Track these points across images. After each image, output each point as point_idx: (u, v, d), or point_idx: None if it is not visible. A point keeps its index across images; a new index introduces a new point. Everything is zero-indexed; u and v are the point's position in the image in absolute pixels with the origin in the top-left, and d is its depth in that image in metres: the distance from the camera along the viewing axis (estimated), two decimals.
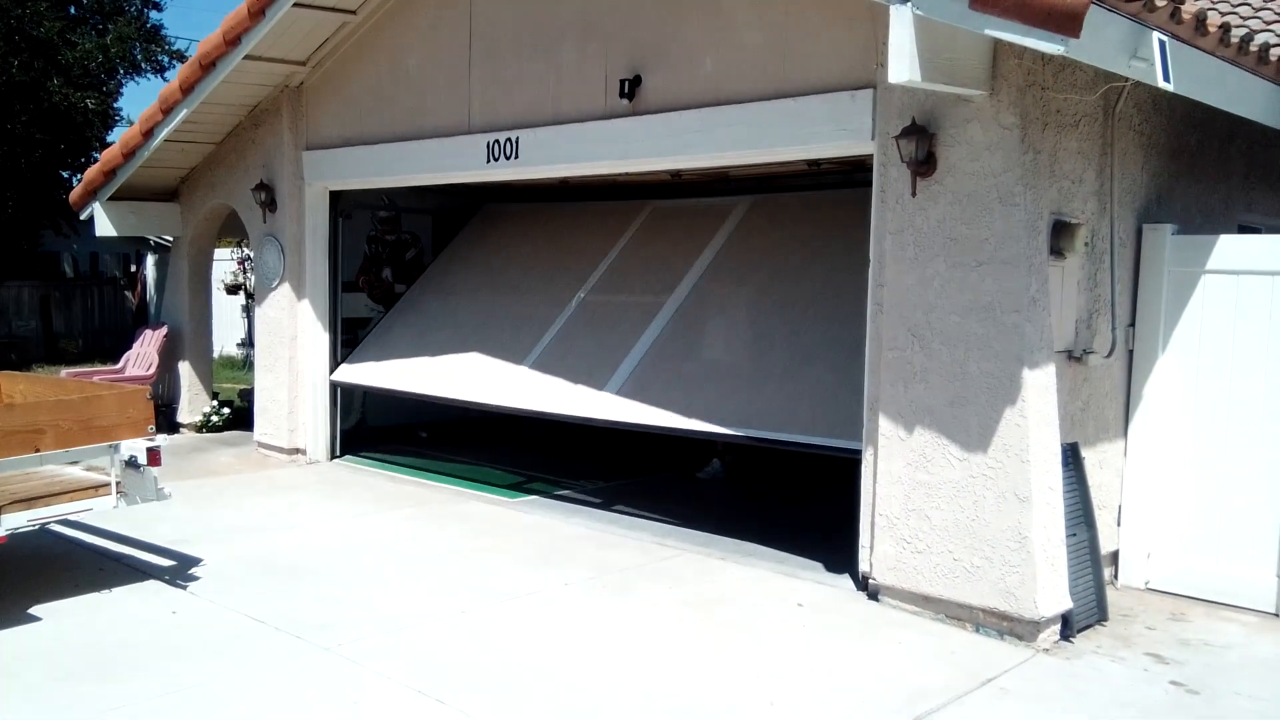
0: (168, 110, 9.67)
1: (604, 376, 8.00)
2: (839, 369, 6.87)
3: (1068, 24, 4.49)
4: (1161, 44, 4.90)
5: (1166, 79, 4.94)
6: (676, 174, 8.65)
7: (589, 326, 8.64)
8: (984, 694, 4.82)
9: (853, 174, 7.86)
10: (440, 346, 9.57)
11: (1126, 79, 5.63)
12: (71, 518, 6.20)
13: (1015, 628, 5.41)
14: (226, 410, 11.67)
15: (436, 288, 10.58)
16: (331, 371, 10.05)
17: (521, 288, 9.74)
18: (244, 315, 17.84)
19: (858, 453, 6.25)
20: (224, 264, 15.84)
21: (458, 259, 10.82)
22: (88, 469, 6.44)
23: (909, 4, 4.85)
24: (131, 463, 5.89)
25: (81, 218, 11.40)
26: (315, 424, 10.02)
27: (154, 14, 21.14)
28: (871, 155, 6.07)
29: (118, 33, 19.77)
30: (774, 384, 7.16)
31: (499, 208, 11.17)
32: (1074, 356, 6.07)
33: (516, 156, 7.96)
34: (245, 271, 15.91)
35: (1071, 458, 5.88)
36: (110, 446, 5.88)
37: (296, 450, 10.00)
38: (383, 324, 10.50)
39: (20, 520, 5.58)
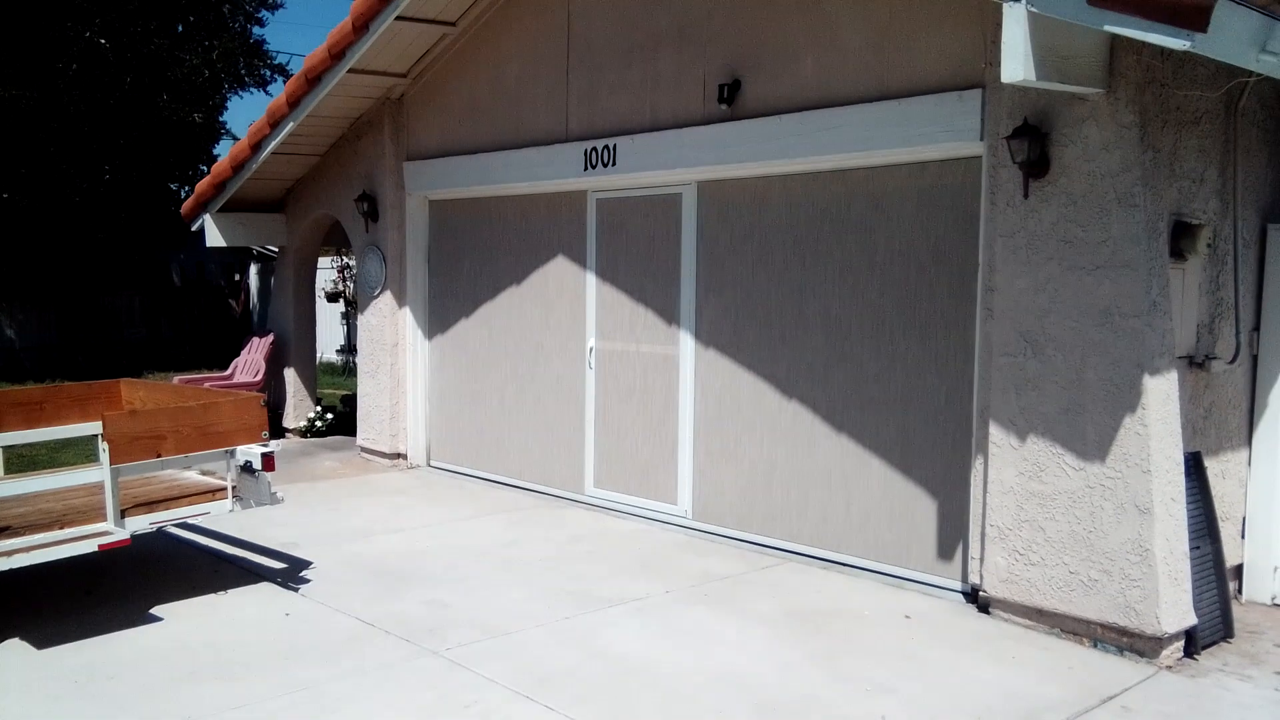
0: (275, 123, 9.93)
1: (670, 476, 7.93)
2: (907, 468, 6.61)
3: (1194, 17, 4.32)
4: None
5: None
6: None
7: (619, 397, 8.37)
8: (1105, 712, 4.65)
9: None
10: (491, 420, 9.63)
11: (1251, 74, 5.41)
12: (189, 520, 6.41)
13: (1136, 644, 5.22)
14: (330, 416, 11.94)
15: (452, 321, 10.09)
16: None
17: (528, 333, 9.21)
18: (343, 323, 18.25)
19: (952, 590, 6.23)
20: (324, 272, 16.21)
21: (441, 285, 10.16)
22: (203, 473, 6.65)
23: (1023, 1, 4.71)
24: (247, 468, 6.05)
25: (193, 229, 11.75)
26: (415, 430, 10.20)
27: (256, 29, 21.86)
28: (979, 156, 5.95)
29: (222, 48, 20.43)
30: (839, 493, 6.89)
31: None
32: (1195, 362, 5.85)
33: (614, 164, 8.00)
34: (345, 279, 16.27)
35: (1194, 467, 5.66)
36: (227, 452, 6.05)
37: (398, 455, 10.18)
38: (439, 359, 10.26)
39: (142, 523, 5.77)
